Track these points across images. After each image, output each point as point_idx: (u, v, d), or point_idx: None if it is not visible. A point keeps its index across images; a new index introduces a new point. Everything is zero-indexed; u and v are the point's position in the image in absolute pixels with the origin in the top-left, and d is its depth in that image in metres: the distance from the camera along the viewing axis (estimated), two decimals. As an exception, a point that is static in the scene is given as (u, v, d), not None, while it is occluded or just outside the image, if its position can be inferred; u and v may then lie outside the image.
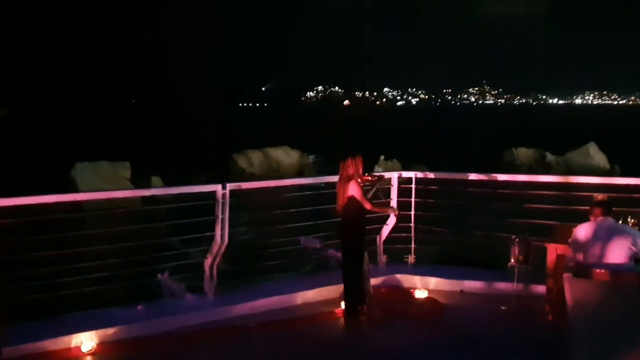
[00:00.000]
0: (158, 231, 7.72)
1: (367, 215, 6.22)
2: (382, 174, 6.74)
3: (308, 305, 6.56)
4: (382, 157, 29.68)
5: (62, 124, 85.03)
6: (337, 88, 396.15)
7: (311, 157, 35.61)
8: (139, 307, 6.15)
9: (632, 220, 5.87)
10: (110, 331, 5.60)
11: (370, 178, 6.33)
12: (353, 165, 6.11)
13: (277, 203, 8.80)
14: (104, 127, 74.50)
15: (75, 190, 21.59)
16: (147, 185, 23.58)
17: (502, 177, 7.80)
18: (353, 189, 6.01)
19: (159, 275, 6.40)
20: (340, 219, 6.16)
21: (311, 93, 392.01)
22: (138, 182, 24.70)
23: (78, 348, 5.36)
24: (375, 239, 7.42)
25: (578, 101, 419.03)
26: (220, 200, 6.34)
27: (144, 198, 15.27)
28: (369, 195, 6.32)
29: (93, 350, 5.35)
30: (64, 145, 44.06)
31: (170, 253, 6.97)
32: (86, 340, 5.40)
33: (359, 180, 6.11)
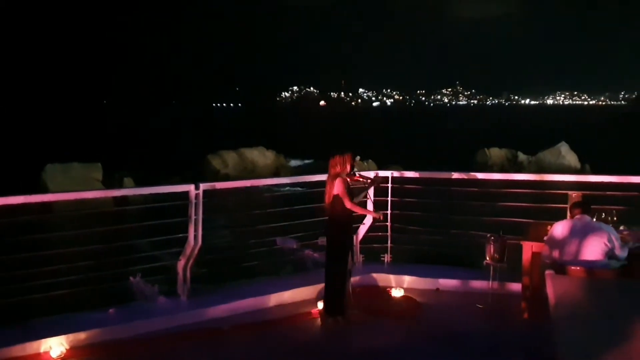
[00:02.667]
0: (130, 233, 7.56)
1: (353, 214, 6.18)
2: (377, 174, 6.68)
3: (284, 307, 6.48)
4: (358, 157, 29.74)
5: (32, 124, 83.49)
6: (312, 89, 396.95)
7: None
8: (111, 310, 6.00)
9: (606, 217, 5.93)
10: (81, 335, 5.45)
11: (361, 179, 6.28)
12: (341, 164, 6.07)
13: (252, 204, 8.72)
14: (75, 128, 73.36)
15: (46, 192, 21.16)
16: (119, 186, 23.23)
17: (477, 175, 7.82)
18: (338, 187, 5.98)
19: (131, 278, 6.26)
20: (327, 217, 6.12)
21: (286, 93, 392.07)
22: (110, 183, 24.34)
23: (47, 353, 5.20)
24: (352, 238, 7.37)
25: (549, 101, 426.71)
26: (194, 201, 6.22)
27: (115, 199, 15.01)
28: (361, 197, 6.28)
29: (63, 356, 5.20)
30: (34, 147, 43.24)
31: (143, 255, 6.82)
32: (55, 346, 5.24)
33: (348, 180, 6.07)
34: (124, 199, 15.38)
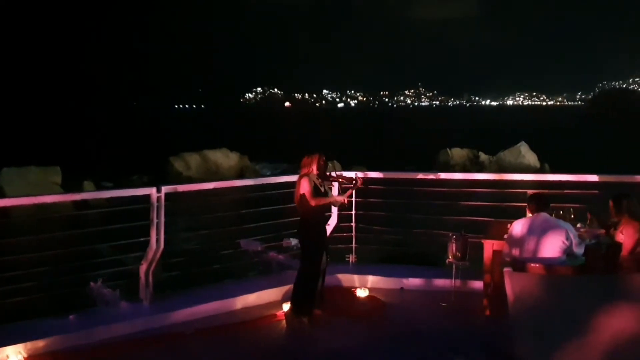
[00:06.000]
0: (90, 237, 7.41)
1: (326, 214, 6.19)
2: (358, 175, 6.71)
3: (248, 310, 6.44)
4: (324, 157, 29.44)
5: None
6: (276, 90, 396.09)
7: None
8: (71, 317, 5.87)
9: (564, 215, 6.07)
10: (39, 343, 5.32)
11: (338, 179, 6.29)
12: (308, 165, 6.12)
13: (216, 206, 8.65)
14: (33, 131, 71.50)
15: (2, 197, 20.59)
16: (79, 190, 22.73)
17: (439, 175, 7.92)
18: (303, 187, 6.00)
19: (92, 283, 6.13)
20: (299, 217, 6.12)
21: (250, 95, 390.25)
22: (69, 187, 23.78)
23: (4, 363, 5.07)
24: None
25: (510, 102, 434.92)
26: (155, 204, 6.14)
27: (75, 203, 14.71)
28: (340, 199, 6.30)
29: (20, 365, 5.07)
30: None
31: (104, 260, 6.70)
32: (13, 354, 5.11)
33: (317, 180, 6.09)
34: (84, 203, 15.07)
